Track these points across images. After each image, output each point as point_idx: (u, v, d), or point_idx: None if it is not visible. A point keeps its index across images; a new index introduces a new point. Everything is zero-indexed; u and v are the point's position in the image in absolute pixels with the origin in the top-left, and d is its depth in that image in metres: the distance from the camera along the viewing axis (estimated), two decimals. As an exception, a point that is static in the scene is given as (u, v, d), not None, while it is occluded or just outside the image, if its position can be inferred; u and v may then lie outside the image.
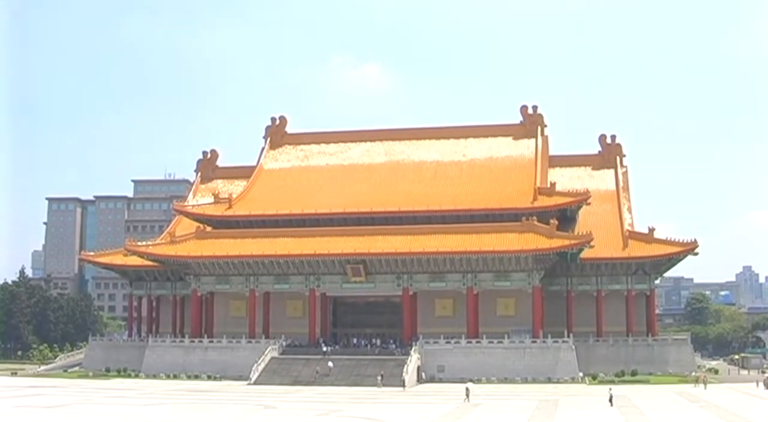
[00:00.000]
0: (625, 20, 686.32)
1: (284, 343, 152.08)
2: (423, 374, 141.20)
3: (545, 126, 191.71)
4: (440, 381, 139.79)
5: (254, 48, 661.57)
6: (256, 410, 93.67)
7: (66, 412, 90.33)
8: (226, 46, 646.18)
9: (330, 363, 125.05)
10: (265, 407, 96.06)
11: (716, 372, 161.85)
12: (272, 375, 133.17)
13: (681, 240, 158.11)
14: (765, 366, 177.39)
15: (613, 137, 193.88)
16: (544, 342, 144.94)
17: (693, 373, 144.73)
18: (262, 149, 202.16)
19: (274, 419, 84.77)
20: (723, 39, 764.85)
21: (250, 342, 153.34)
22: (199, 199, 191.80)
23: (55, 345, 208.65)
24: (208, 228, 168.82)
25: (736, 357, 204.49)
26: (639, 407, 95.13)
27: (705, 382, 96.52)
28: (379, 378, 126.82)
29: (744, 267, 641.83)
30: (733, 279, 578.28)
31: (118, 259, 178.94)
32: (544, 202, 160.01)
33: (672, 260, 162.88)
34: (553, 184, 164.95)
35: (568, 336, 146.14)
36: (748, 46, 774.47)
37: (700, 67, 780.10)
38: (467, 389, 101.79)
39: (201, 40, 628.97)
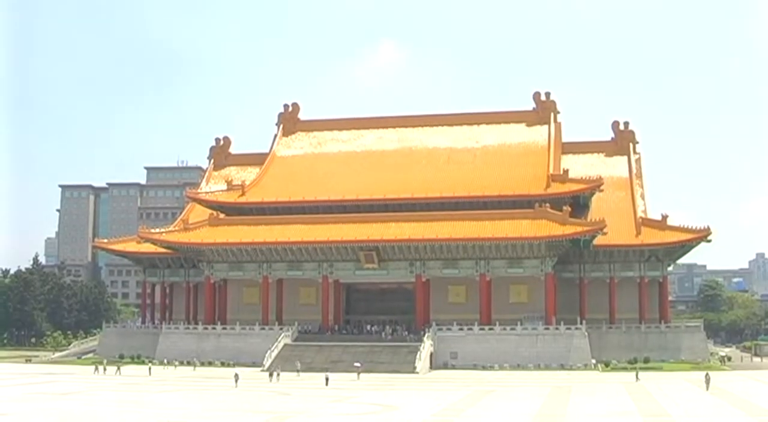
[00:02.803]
0: (638, 5, 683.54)
1: (297, 330, 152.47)
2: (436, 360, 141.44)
3: (558, 112, 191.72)
4: (453, 367, 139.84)
5: (266, 34, 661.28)
6: (269, 396, 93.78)
7: (79, 399, 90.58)
8: (239, 32, 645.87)
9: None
10: (279, 393, 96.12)
11: (729, 359, 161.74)
12: (285, 362, 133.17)
13: (694, 228, 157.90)
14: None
15: (626, 124, 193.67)
16: (556, 329, 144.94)
17: (708, 361, 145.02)
18: (275, 136, 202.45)
19: (287, 405, 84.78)
20: (737, 21, 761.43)
21: (263, 328, 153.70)
22: (212, 186, 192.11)
23: (69, 332, 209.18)
24: (222, 215, 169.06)
25: (749, 344, 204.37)
26: (652, 394, 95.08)
27: (708, 381, 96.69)
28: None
29: (757, 254, 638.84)
30: (746, 266, 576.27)
31: (132, 246, 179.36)
32: (557, 188, 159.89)
33: (685, 247, 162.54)
34: (566, 171, 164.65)
35: (581, 323, 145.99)
36: (763, 30, 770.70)
37: (714, 52, 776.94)
38: None
39: (214, 26, 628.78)
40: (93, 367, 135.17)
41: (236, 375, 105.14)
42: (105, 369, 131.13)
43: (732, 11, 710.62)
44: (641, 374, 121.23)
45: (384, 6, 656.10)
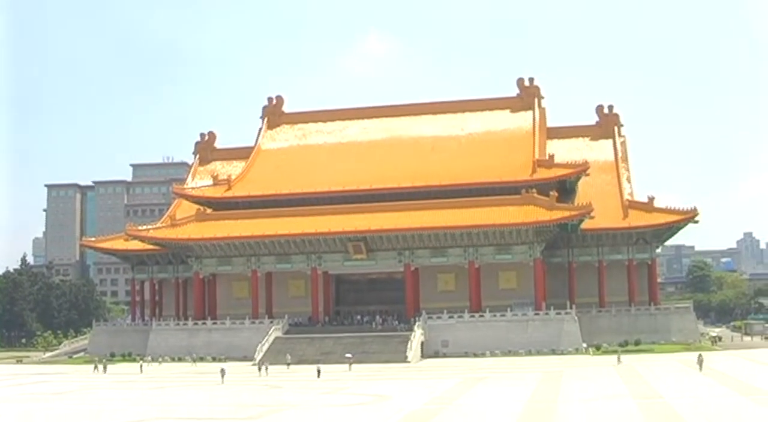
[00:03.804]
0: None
1: (288, 323, 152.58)
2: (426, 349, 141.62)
3: (542, 98, 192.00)
4: (444, 356, 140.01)
5: (250, 27, 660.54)
6: (261, 390, 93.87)
7: (73, 398, 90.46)
8: (220, 27, 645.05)
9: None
10: (271, 387, 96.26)
11: (720, 339, 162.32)
12: (276, 355, 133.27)
13: (681, 209, 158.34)
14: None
15: (611, 107, 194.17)
16: (546, 314, 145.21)
17: (699, 341, 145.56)
18: (260, 129, 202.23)
19: (280, 398, 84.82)
20: (719, 4, 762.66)
21: (253, 322, 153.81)
22: (198, 182, 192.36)
23: (59, 332, 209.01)
24: (209, 211, 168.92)
25: (739, 323, 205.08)
26: (643, 375, 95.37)
27: (701, 362, 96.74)
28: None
29: (745, 234, 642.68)
30: (734, 246, 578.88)
31: (119, 244, 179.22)
32: (543, 174, 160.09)
33: (672, 229, 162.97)
34: (551, 156, 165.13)
35: (571, 308, 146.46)
36: (746, 10, 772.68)
37: (699, 32, 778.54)
38: None
39: (196, 21, 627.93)
40: (91, 366, 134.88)
41: (222, 371, 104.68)
42: (105, 368, 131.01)
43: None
44: (627, 356, 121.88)
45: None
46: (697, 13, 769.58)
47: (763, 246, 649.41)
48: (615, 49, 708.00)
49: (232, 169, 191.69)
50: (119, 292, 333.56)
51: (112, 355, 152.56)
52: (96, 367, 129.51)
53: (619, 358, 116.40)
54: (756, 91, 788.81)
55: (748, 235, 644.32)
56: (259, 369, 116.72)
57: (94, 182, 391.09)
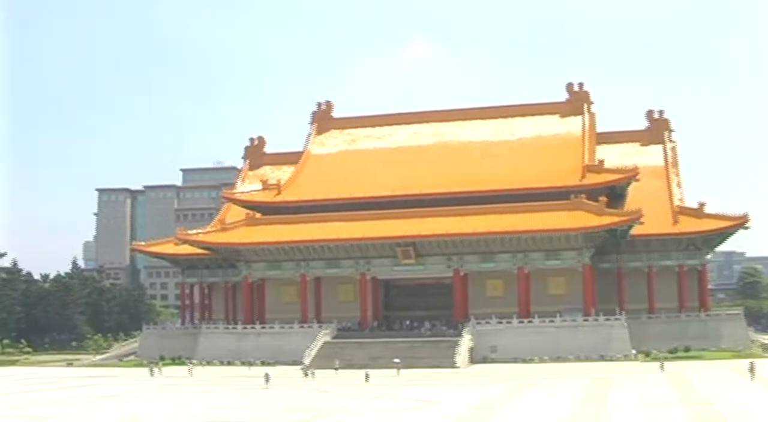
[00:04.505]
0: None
1: (336, 328, 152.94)
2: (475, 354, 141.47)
3: (592, 103, 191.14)
4: (493, 361, 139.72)
5: (299, 32, 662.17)
6: (310, 394, 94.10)
7: (123, 400, 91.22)
8: (272, 31, 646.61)
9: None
10: (319, 391, 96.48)
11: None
12: (325, 360, 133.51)
13: (731, 215, 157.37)
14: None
15: (661, 112, 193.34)
16: (595, 319, 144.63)
17: (749, 348, 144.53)
18: (309, 134, 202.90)
19: (328, 403, 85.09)
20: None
21: (302, 327, 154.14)
22: (248, 186, 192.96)
23: (110, 335, 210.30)
24: (258, 215, 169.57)
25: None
26: (692, 382, 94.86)
27: (752, 369, 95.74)
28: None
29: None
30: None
31: (170, 248, 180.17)
32: (592, 179, 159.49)
33: (723, 234, 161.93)
34: (601, 161, 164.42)
35: (620, 314, 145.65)
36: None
37: (749, 32, 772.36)
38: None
39: (247, 26, 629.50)
40: (141, 369, 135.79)
41: (266, 375, 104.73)
42: (161, 371, 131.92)
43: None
44: (677, 363, 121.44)
45: (415, 0, 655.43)
46: (751, 15, 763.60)
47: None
48: (665, 53, 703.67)
49: (282, 173, 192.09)
50: (169, 296, 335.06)
51: (162, 358, 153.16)
52: (152, 371, 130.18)
53: (662, 365, 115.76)
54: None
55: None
56: (305, 373, 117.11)
57: (144, 186, 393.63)
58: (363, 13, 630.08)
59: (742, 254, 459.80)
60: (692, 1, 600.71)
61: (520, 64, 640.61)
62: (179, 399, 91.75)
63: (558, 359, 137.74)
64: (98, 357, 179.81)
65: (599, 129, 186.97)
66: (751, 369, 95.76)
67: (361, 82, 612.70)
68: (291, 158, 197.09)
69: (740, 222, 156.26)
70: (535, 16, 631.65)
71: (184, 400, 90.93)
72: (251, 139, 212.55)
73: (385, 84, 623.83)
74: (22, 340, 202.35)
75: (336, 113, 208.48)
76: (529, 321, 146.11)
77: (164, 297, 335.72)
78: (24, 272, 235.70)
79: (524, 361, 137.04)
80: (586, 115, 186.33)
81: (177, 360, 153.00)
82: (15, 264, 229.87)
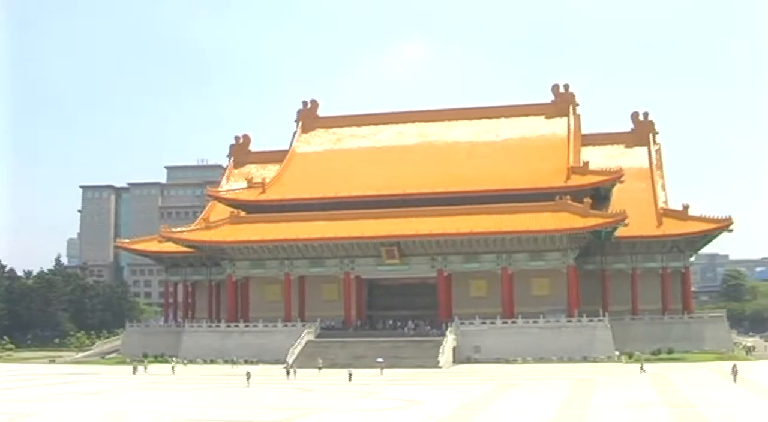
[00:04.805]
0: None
1: (320, 327, 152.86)
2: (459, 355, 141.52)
3: (577, 104, 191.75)
4: (476, 361, 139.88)
5: (286, 31, 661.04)
6: (293, 393, 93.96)
7: (105, 398, 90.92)
8: (258, 30, 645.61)
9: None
10: (302, 390, 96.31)
11: (753, 349, 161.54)
12: (308, 359, 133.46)
13: (715, 217, 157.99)
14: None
15: (646, 114, 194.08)
16: (579, 321, 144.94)
17: (732, 351, 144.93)
18: (294, 133, 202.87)
19: (311, 402, 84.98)
20: (762, 6, 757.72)
21: (285, 325, 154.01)
22: (233, 184, 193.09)
23: (92, 333, 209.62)
24: (242, 213, 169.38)
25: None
26: (675, 384, 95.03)
27: (735, 372, 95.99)
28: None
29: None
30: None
31: (154, 246, 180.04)
32: (577, 180, 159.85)
33: (707, 237, 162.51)
34: (586, 163, 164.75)
35: (604, 315, 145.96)
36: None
37: (736, 37, 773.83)
38: None
39: (234, 24, 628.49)
40: (124, 367, 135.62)
41: (248, 374, 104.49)
42: (146, 368, 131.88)
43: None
44: (660, 365, 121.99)
45: (403, 1, 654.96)
46: (738, 18, 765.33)
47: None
48: (651, 56, 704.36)
49: (267, 172, 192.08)
50: (152, 294, 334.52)
51: (145, 356, 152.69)
52: (135, 368, 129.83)
53: (642, 367, 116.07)
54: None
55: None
56: (288, 372, 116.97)
57: (128, 184, 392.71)
58: (352, 14, 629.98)
59: (725, 257, 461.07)
60: (679, 5, 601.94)
61: (508, 65, 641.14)
62: (162, 397, 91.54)
63: (541, 360, 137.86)
64: (81, 354, 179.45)
65: (584, 131, 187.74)
66: (734, 372, 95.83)
67: (349, 81, 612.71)
68: (276, 157, 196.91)
69: (724, 225, 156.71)
70: (524, 18, 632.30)
71: (166, 398, 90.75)
72: (236, 137, 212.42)
73: (374, 84, 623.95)
74: (5, 337, 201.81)
75: (322, 112, 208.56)
76: (513, 322, 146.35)
77: (148, 295, 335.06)
78: (7, 269, 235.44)
79: (507, 362, 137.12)
80: (572, 117, 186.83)
81: (160, 358, 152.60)
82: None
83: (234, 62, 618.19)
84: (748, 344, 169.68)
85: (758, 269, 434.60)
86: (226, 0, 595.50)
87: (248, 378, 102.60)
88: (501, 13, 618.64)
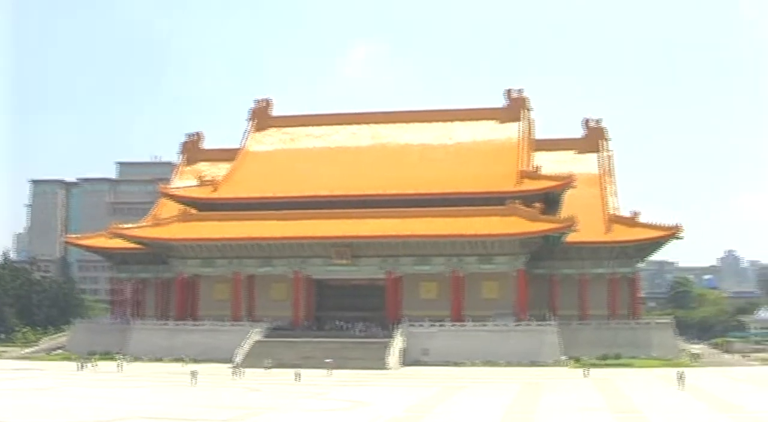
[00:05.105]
0: (610, 2, 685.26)
1: (268, 326, 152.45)
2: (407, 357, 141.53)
3: (530, 109, 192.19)
4: (425, 364, 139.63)
5: (242, 29, 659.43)
6: (241, 392, 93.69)
7: (51, 394, 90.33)
8: (214, 27, 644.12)
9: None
10: (250, 390, 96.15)
11: (700, 355, 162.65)
12: (256, 358, 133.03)
13: (664, 225, 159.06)
14: (747, 350, 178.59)
15: (597, 121, 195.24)
16: (528, 325, 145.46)
17: (678, 357, 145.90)
18: (247, 132, 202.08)
19: (258, 401, 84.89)
20: (708, 20, 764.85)
21: (234, 325, 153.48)
22: (184, 182, 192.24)
23: (39, 328, 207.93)
24: (193, 211, 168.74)
25: (719, 341, 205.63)
26: (622, 389, 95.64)
27: (681, 378, 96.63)
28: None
29: (727, 252, 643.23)
30: (717, 263, 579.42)
31: (102, 242, 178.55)
32: (528, 185, 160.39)
33: (655, 244, 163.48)
34: (537, 168, 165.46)
35: (552, 320, 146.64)
36: (732, 30, 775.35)
37: (685, 49, 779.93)
38: None
39: (189, 21, 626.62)
40: (69, 363, 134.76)
41: (193, 373, 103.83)
42: (96, 365, 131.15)
43: (704, 8, 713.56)
44: (607, 370, 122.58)
45: (360, 4, 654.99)
46: (688, 26, 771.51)
47: (744, 264, 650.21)
48: (604, 62, 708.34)
49: (218, 170, 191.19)
50: (101, 290, 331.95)
51: (92, 353, 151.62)
52: (81, 365, 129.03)
53: (586, 372, 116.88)
54: (744, 108, 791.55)
55: (730, 253, 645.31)
56: (234, 372, 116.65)
57: (79, 179, 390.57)
58: (308, 13, 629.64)
59: (673, 264, 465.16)
60: (633, 13, 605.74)
61: (462, 69, 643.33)
62: (108, 394, 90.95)
63: (489, 363, 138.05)
64: (26, 350, 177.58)
65: (537, 135, 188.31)
66: (680, 378, 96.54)
67: (303, 81, 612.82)
68: (228, 155, 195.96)
69: (672, 233, 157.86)
70: (478, 23, 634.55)
71: (113, 395, 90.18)
72: (189, 135, 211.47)
73: (328, 84, 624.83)
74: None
75: (276, 111, 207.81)
76: (462, 325, 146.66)
77: (95, 291, 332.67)
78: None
79: (456, 364, 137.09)
80: (524, 122, 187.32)
81: (107, 356, 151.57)
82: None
83: (189, 59, 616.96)
84: (695, 351, 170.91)
85: (705, 277, 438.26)
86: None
87: (194, 377, 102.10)
88: (456, 18, 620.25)
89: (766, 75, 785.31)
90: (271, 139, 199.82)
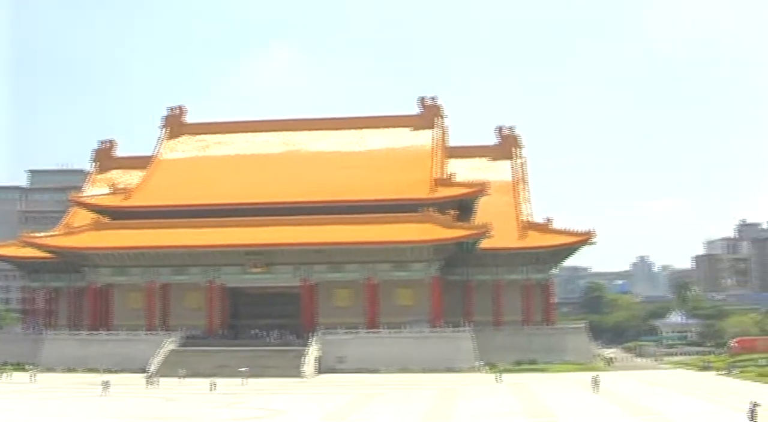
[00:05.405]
0: (523, 11, 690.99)
1: (183, 335, 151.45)
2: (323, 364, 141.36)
3: (444, 117, 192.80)
4: (340, 371, 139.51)
5: (154, 35, 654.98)
6: (155, 402, 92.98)
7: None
8: (126, 33, 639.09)
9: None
10: (165, 399, 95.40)
11: (613, 359, 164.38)
12: (171, 368, 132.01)
13: (577, 231, 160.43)
14: (659, 353, 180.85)
15: (511, 128, 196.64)
16: (443, 331, 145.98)
17: (592, 361, 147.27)
18: (160, 139, 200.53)
19: (174, 411, 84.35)
20: (616, 28, 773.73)
21: (148, 334, 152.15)
22: (96, 190, 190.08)
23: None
24: (106, 220, 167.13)
25: (632, 345, 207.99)
26: (537, 394, 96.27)
27: (596, 382, 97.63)
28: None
29: (639, 257, 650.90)
30: (629, 268, 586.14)
31: (13, 251, 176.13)
32: (442, 192, 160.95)
33: (569, 250, 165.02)
34: (451, 175, 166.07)
35: (467, 326, 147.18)
36: (640, 38, 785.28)
37: (598, 57, 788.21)
38: None
39: (100, 26, 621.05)
40: None
41: (105, 383, 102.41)
42: (11, 376, 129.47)
43: (614, 13, 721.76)
44: (522, 375, 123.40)
45: (273, 8, 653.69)
46: (596, 31, 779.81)
47: (656, 269, 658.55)
48: (520, 70, 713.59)
49: (131, 178, 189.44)
50: (12, 300, 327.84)
51: (3, 364, 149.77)
52: None
53: (498, 377, 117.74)
54: (652, 116, 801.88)
55: (643, 259, 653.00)
56: (148, 382, 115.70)
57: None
58: (222, 18, 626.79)
59: (586, 269, 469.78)
60: (544, 21, 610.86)
61: (375, 76, 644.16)
62: (19, 406, 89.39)
63: (405, 369, 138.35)
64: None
65: (451, 143, 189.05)
66: (595, 382, 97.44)
67: (217, 88, 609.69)
68: (141, 163, 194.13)
69: (585, 239, 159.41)
70: (393, 31, 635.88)
71: (25, 407, 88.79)
72: (101, 142, 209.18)
73: (242, 91, 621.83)
74: None
75: (190, 119, 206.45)
76: (377, 332, 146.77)
77: (7, 301, 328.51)
78: None
79: (371, 371, 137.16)
80: (438, 129, 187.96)
81: (18, 367, 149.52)
82: None
83: (102, 66, 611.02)
84: (609, 355, 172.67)
85: (618, 282, 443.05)
86: (92, 2, 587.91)
87: (106, 387, 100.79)
88: (370, 24, 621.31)
89: (677, 78, 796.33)
90: (185, 147, 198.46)
